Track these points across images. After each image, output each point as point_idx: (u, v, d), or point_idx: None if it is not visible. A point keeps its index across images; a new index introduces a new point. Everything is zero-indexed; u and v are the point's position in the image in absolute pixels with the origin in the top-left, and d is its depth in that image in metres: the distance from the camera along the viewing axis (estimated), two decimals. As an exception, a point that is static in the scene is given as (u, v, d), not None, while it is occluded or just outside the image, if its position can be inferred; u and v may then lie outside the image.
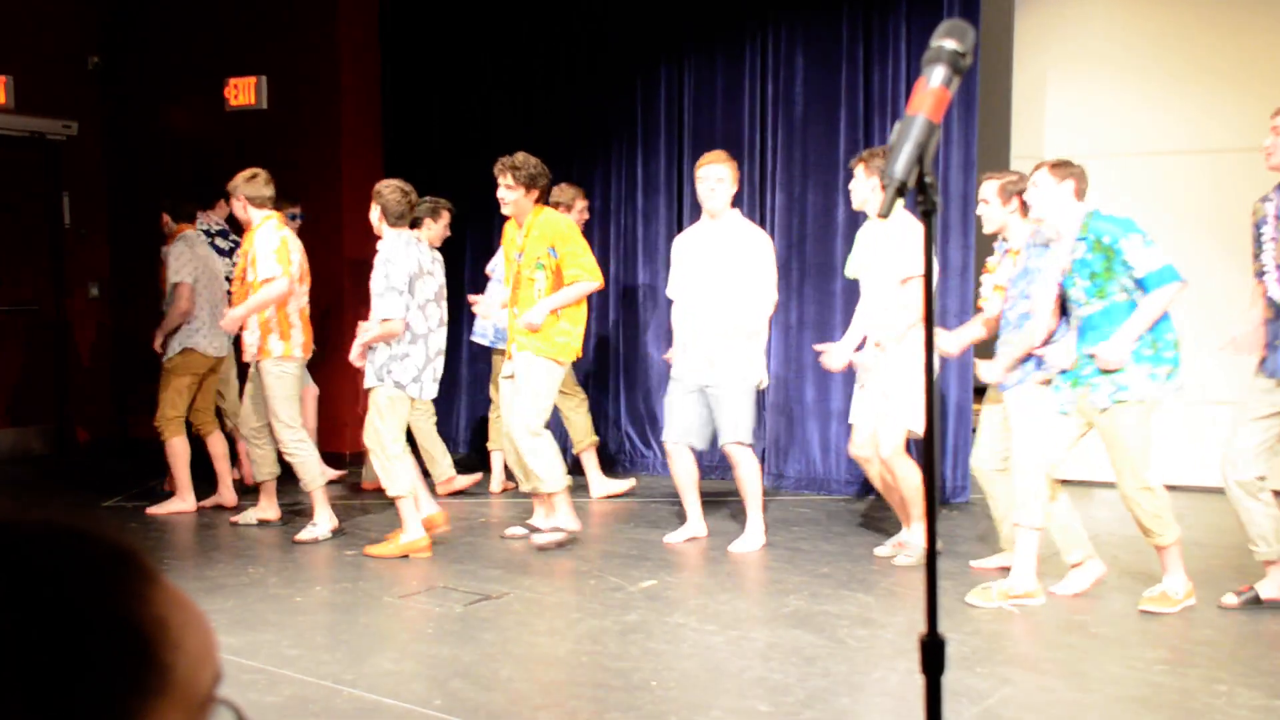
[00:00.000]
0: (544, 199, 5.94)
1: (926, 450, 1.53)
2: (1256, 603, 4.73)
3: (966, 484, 6.82)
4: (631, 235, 8.00)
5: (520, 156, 5.84)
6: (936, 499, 1.55)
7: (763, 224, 7.64)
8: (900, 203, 5.65)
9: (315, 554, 5.81)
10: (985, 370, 5.16)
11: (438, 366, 5.96)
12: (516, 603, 4.94)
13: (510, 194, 5.82)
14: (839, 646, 4.33)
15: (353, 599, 5.03)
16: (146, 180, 8.94)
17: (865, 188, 5.49)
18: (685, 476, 5.98)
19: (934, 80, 1.55)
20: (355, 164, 8.43)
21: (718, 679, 4.03)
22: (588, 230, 7.17)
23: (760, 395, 6.12)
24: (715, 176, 5.79)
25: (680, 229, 7.74)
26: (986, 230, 5.37)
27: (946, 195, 6.64)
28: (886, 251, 5.48)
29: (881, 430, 5.46)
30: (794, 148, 7.45)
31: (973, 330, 5.47)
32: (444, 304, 6.02)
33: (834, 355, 5.61)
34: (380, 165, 8.54)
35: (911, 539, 5.61)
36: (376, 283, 5.69)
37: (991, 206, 5.23)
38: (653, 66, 7.98)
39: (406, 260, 5.71)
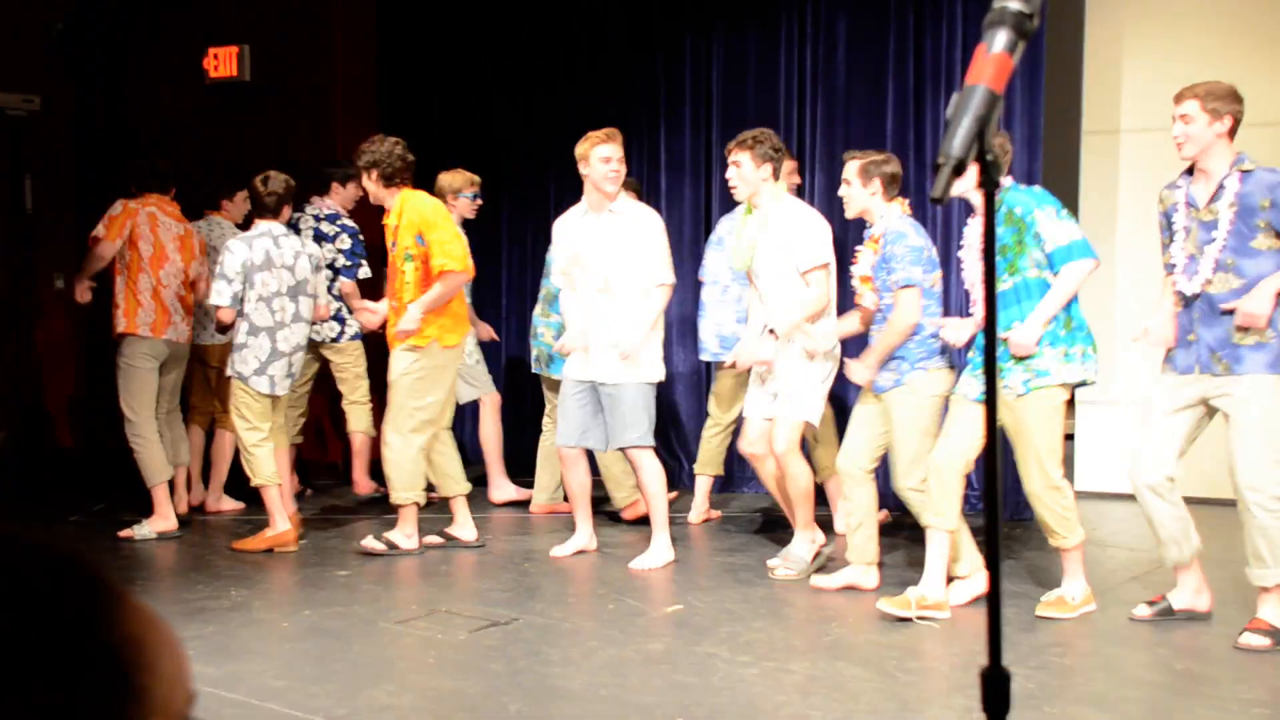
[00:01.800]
0: (399, 182, 6.14)
1: (988, 473, 1.51)
2: (1169, 613, 4.93)
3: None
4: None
5: (373, 139, 6.21)
6: (999, 518, 1.54)
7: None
8: (783, 187, 5.81)
9: (304, 576, 5.83)
10: (855, 371, 5.39)
11: (294, 362, 6.45)
12: (527, 629, 4.95)
13: (364, 182, 6.24)
14: (887, 681, 4.32)
15: (345, 625, 5.05)
16: (117, 160, 8.99)
17: (753, 176, 5.68)
18: (579, 486, 6.13)
19: (996, 45, 1.54)
20: (352, 145, 8.47)
21: (752, 715, 4.02)
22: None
23: (659, 392, 6.30)
24: (619, 157, 5.96)
25: (709, 215, 7.77)
26: (849, 215, 5.55)
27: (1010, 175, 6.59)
28: (777, 243, 5.68)
29: (777, 425, 5.67)
30: (836, 124, 7.43)
31: (848, 324, 5.66)
32: (302, 300, 6.44)
33: (741, 353, 5.81)
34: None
35: (794, 550, 5.78)
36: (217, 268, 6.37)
37: (853, 188, 5.40)
38: (677, 36, 8.00)
39: (244, 250, 6.29)
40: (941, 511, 5.03)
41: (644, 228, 5.96)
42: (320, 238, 7.26)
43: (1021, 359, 4.89)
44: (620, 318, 5.91)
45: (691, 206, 7.89)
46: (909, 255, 5.20)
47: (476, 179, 7.20)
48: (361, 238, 7.40)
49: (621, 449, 6.02)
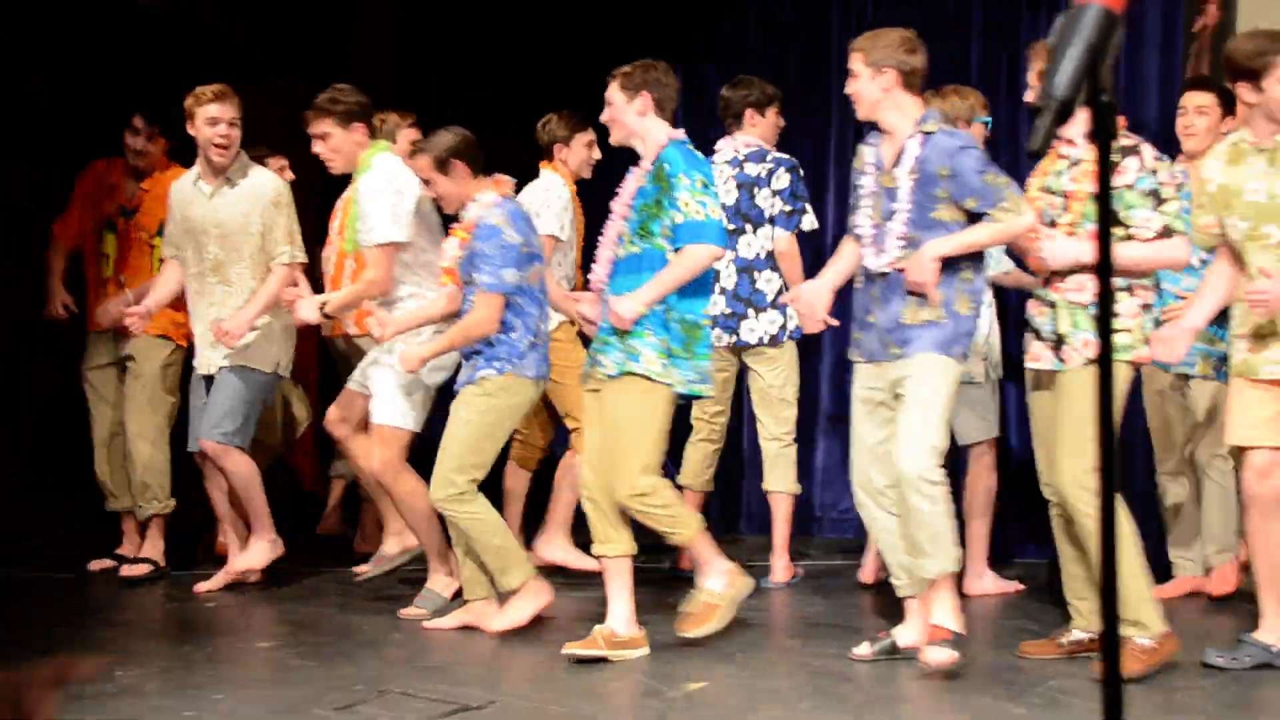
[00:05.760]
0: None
1: (1104, 483, 1.56)
2: (893, 652, 5.27)
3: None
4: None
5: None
6: (1114, 555, 1.59)
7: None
8: (381, 149, 6.51)
9: (214, 648, 5.84)
10: (407, 359, 5.89)
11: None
12: (504, 716, 4.97)
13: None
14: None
15: (266, 713, 5.06)
16: (110, 135, 9.03)
17: (347, 145, 6.27)
18: (220, 493, 6.76)
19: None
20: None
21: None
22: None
23: (269, 385, 6.73)
24: (230, 119, 6.44)
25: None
26: (448, 210, 6.06)
27: (1138, 126, 6.45)
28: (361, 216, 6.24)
29: (372, 438, 6.26)
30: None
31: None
32: None
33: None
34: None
35: (432, 587, 6.34)
36: None
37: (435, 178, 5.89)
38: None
39: None
40: (606, 539, 5.48)
41: (263, 200, 6.37)
42: (749, 185, 6.81)
43: (622, 335, 5.35)
44: (234, 304, 6.39)
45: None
46: (499, 256, 5.63)
47: (985, 101, 6.53)
48: (802, 173, 6.93)
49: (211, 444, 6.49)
